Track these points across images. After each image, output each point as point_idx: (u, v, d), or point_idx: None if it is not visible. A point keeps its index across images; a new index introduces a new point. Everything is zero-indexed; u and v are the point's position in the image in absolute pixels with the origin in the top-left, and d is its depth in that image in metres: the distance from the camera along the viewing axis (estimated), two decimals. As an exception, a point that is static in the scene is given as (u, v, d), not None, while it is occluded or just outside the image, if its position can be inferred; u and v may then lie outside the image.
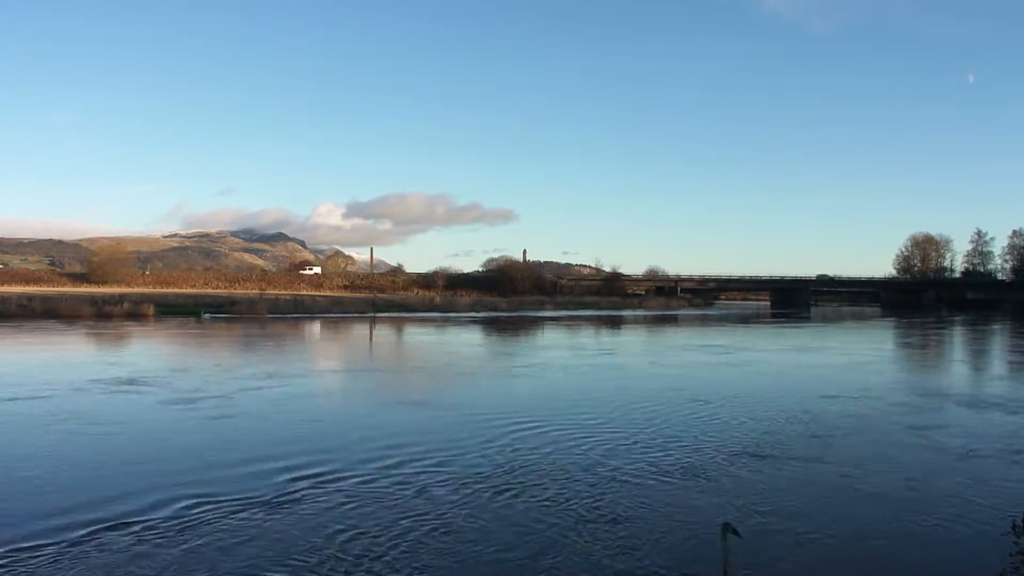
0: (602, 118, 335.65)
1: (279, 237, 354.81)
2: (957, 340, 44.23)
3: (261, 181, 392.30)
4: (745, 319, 69.08)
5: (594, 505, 8.73)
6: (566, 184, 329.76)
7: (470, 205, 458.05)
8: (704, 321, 63.80)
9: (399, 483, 9.55)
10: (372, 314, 62.03)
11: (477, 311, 72.03)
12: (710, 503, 8.89)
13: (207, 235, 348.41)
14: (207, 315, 53.13)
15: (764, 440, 12.61)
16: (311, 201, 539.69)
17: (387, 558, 6.97)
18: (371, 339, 39.13)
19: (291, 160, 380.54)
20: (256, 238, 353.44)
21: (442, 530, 7.76)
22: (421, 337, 40.47)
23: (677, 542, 7.56)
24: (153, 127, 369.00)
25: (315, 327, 46.05)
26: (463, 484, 9.51)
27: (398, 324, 50.93)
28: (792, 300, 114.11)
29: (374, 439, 12.26)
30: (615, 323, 58.14)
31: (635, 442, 12.24)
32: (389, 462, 10.64)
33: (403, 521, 8.01)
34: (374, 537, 7.51)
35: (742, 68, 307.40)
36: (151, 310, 51.72)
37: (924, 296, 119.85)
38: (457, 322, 54.43)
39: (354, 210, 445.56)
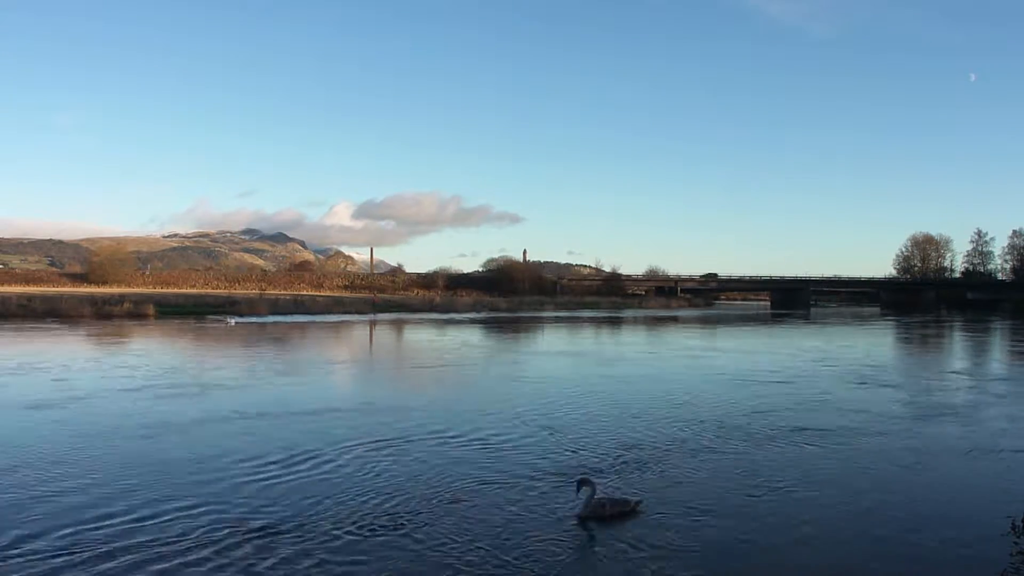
0: (604, 120, 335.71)
1: (280, 237, 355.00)
2: (960, 338, 44.29)
3: (280, 183, 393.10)
4: (761, 319, 69.08)
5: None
6: (569, 185, 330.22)
7: (478, 207, 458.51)
8: (732, 322, 63.77)
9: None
10: (372, 315, 61.95)
11: (477, 311, 72.05)
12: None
13: (207, 235, 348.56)
14: (232, 320, 47.87)
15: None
16: (328, 202, 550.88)
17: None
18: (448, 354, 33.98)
19: (309, 162, 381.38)
20: (257, 238, 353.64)
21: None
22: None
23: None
24: (163, 128, 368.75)
25: (331, 330, 46.00)
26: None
27: (402, 325, 50.89)
28: (792, 300, 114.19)
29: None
30: (657, 324, 58.12)
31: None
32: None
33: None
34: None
35: (743, 70, 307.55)
36: (152, 310, 51.71)
37: (924, 296, 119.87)
38: (470, 323, 54.30)
39: (364, 211, 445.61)
